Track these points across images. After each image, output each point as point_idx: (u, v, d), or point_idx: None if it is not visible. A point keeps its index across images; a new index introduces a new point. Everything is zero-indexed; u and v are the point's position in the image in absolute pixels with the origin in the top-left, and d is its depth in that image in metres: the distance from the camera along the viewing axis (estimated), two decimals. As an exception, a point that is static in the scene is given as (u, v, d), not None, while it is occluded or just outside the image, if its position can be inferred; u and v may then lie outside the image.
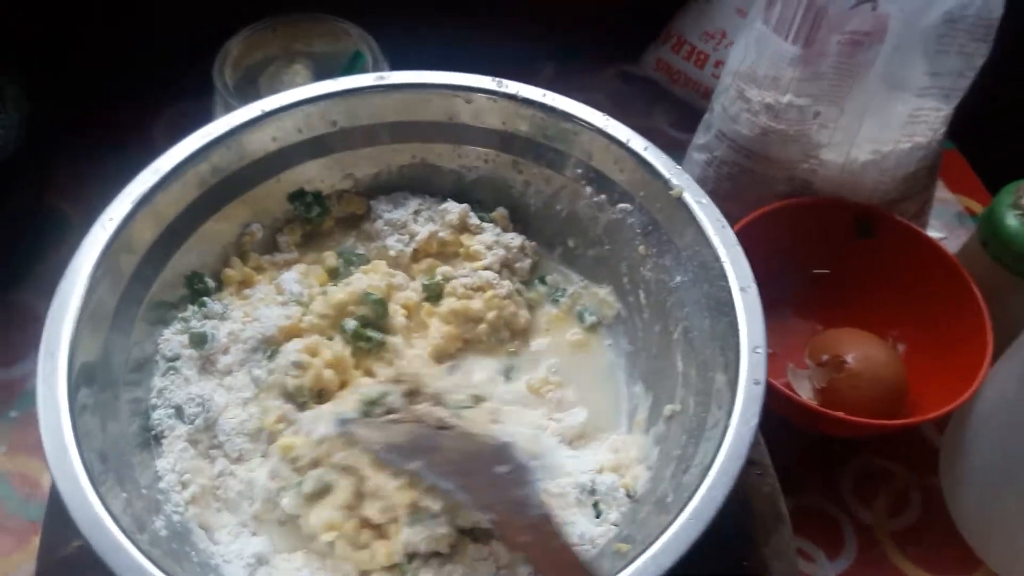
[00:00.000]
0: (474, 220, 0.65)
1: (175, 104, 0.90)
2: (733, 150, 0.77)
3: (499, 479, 0.49)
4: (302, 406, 0.55)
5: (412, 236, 0.64)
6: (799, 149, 0.74)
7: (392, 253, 0.64)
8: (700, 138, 0.80)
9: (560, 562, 0.47)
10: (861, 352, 0.71)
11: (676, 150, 0.72)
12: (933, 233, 0.79)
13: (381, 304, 0.59)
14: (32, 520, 0.66)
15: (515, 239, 0.65)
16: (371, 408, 0.52)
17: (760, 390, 0.48)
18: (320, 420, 0.52)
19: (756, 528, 0.57)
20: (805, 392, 0.72)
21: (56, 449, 0.46)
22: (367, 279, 0.61)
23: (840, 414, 0.65)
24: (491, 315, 0.61)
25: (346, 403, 0.53)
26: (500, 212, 0.66)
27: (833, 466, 0.74)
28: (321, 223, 0.65)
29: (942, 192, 0.90)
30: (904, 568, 0.69)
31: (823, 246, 0.76)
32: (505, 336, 0.63)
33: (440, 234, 0.64)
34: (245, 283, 0.62)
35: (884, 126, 0.72)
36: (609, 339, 0.64)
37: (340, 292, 0.59)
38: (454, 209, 0.64)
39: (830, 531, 0.71)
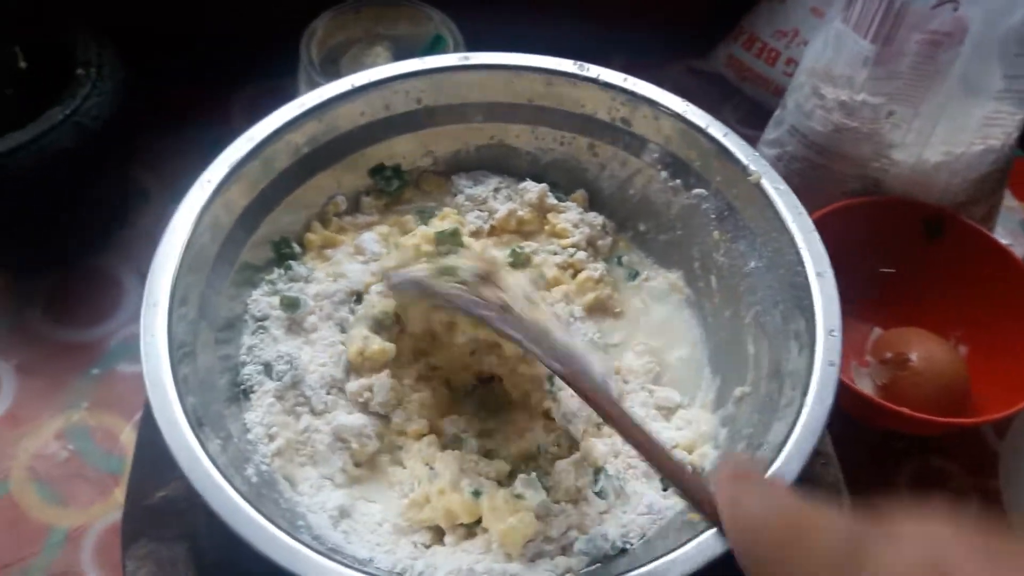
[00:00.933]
0: (552, 200, 0.66)
1: (254, 83, 0.92)
2: (805, 146, 0.77)
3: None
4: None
5: (491, 213, 0.66)
6: (871, 148, 0.74)
7: (471, 228, 0.66)
8: (771, 133, 0.81)
9: (622, 417, 0.48)
10: (924, 351, 0.72)
11: (745, 147, 0.73)
12: (999, 234, 0.78)
13: (455, 235, 0.61)
14: (112, 472, 0.69)
15: (597, 218, 0.66)
16: (446, 274, 0.54)
17: (835, 371, 0.48)
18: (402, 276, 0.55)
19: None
20: (867, 389, 0.73)
21: (159, 395, 0.47)
22: (443, 223, 0.64)
23: (904, 410, 0.65)
24: (588, 297, 0.63)
25: (424, 267, 0.55)
26: (580, 193, 0.67)
27: (891, 464, 0.74)
28: (400, 194, 0.67)
29: (1008, 199, 0.89)
30: (962, 570, 0.69)
31: (890, 245, 0.76)
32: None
33: (519, 212, 0.66)
34: (326, 245, 0.64)
35: (958, 128, 0.72)
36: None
37: (413, 237, 0.61)
38: (533, 188, 0.66)
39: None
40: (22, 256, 0.79)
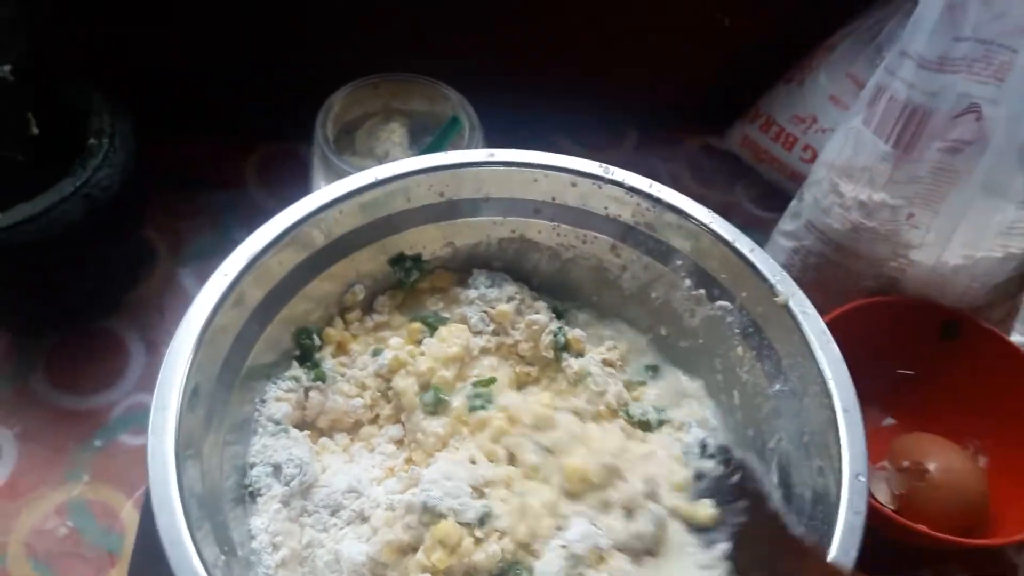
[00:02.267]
0: (548, 338, 0.65)
1: (266, 146, 0.91)
2: (822, 242, 0.76)
3: None
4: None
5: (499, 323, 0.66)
6: (889, 248, 0.73)
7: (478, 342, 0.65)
8: (788, 225, 0.80)
9: None
10: (944, 462, 0.70)
11: (757, 228, 0.72)
12: (1017, 338, 0.78)
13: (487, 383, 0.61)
14: (110, 551, 0.67)
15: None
16: None
17: (860, 520, 0.47)
18: None
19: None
20: (882, 494, 0.71)
21: (162, 496, 0.46)
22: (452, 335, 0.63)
23: (923, 528, 0.64)
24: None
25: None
26: (576, 335, 0.66)
27: (906, 573, 0.72)
28: (416, 287, 0.66)
29: (1028, 297, 0.88)
30: None
31: (907, 346, 0.75)
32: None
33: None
34: (342, 346, 0.63)
35: (978, 233, 0.71)
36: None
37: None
38: (540, 320, 0.65)
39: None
40: (25, 319, 0.78)
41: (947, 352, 0.75)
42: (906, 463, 0.71)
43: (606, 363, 0.65)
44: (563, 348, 0.64)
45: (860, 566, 0.60)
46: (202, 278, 0.54)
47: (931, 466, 0.70)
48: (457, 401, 0.59)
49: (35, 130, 0.73)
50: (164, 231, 0.85)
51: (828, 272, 0.77)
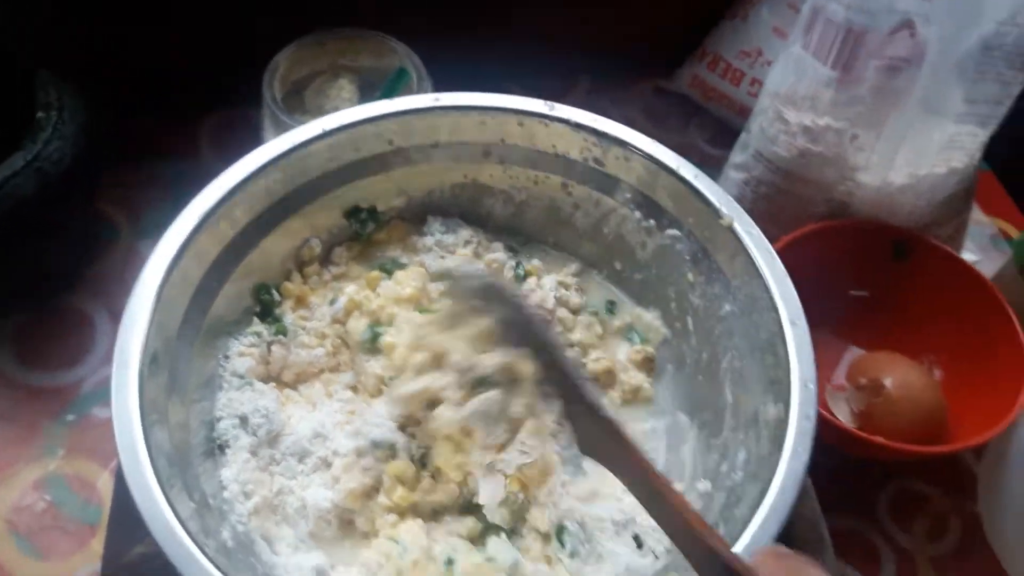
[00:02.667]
0: (509, 273, 0.67)
1: (218, 113, 0.91)
2: (770, 171, 0.77)
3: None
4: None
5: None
6: (836, 171, 0.75)
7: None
8: (737, 157, 0.81)
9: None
10: (900, 377, 0.72)
11: (711, 166, 0.73)
12: (968, 255, 0.80)
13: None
14: (90, 523, 0.68)
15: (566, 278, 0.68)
16: None
17: (811, 425, 0.49)
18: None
19: (797, 551, 0.58)
20: (842, 413, 0.73)
21: (130, 458, 0.47)
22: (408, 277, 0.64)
23: (880, 439, 0.66)
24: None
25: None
26: (534, 265, 0.68)
27: (869, 488, 0.74)
28: (372, 239, 0.67)
29: (976, 214, 0.90)
30: (944, 594, 0.70)
31: (860, 268, 0.77)
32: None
33: None
34: (301, 299, 0.64)
35: (921, 151, 0.72)
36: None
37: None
38: (500, 257, 0.67)
39: (870, 554, 0.71)
40: (-12, 299, 0.77)
41: (899, 272, 0.77)
42: (863, 380, 0.73)
43: (562, 285, 0.67)
44: (523, 279, 0.66)
45: (825, 486, 0.62)
46: (162, 248, 0.55)
47: (887, 381, 0.72)
48: (398, 338, 0.59)
49: (-21, 108, 0.73)
50: (121, 204, 0.84)
51: (779, 201, 0.78)
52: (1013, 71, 0.69)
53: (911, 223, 0.76)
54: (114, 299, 0.79)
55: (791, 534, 0.58)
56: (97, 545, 0.66)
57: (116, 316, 0.77)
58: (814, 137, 0.73)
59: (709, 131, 0.97)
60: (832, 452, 0.68)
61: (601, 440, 0.47)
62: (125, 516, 0.57)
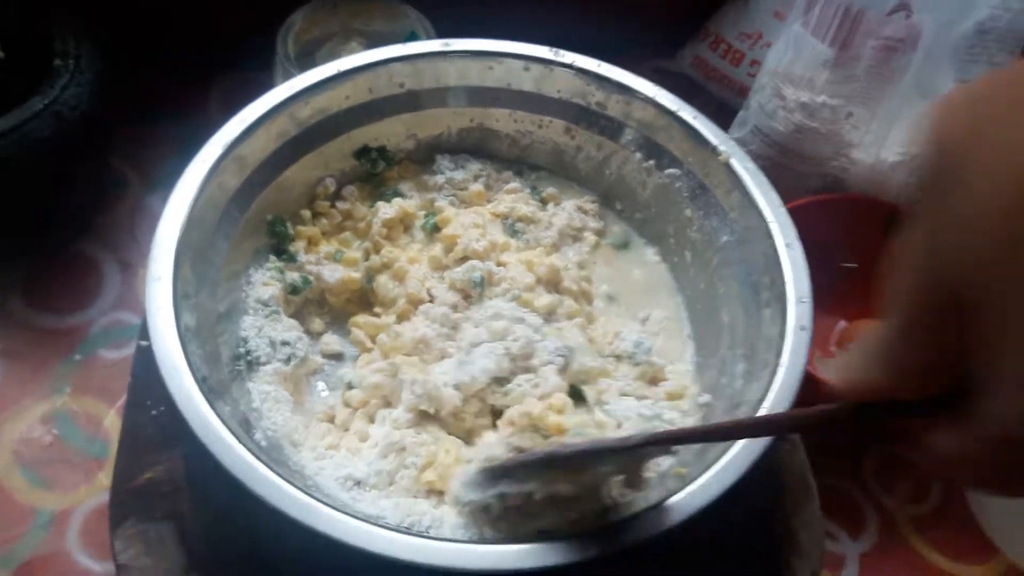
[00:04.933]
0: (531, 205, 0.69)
1: (229, 76, 0.93)
2: (767, 145, 0.80)
3: None
4: None
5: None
6: (831, 147, 0.77)
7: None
8: (735, 132, 0.83)
9: None
10: (887, 343, 0.74)
11: (711, 143, 0.76)
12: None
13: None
14: (96, 457, 0.69)
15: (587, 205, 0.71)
16: None
17: (807, 336, 0.51)
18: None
19: (786, 500, 0.60)
20: (832, 379, 0.74)
21: (169, 363, 0.49)
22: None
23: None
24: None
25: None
26: (551, 192, 0.70)
27: (856, 451, 0.76)
28: (383, 178, 0.69)
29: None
30: (923, 552, 0.72)
31: (852, 241, 0.78)
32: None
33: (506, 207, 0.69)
34: (312, 241, 0.66)
35: (913, 131, 0.74)
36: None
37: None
38: (516, 185, 0.70)
39: (853, 513, 0.73)
40: (1, 242, 0.79)
41: (890, 244, 0.78)
42: (851, 345, 0.75)
43: (581, 210, 0.69)
44: (543, 205, 0.70)
45: (811, 450, 0.64)
46: (170, 201, 0.57)
47: (875, 347, 0.73)
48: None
49: (0, 54, 0.74)
50: (131, 160, 0.86)
51: (775, 174, 0.78)
52: (1004, 54, 0.71)
53: (902, 199, 0.78)
54: (123, 249, 0.81)
55: (780, 484, 0.60)
56: (104, 478, 0.68)
57: (125, 264, 0.80)
58: (810, 113, 0.75)
59: (709, 110, 0.95)
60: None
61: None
62: (133, 445, 0.59)
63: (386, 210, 0.65)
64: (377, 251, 0.64)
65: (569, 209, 0.68)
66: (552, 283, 0.63)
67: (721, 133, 0.61)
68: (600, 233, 0.70)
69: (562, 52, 0.64)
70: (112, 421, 0.71)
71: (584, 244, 0.68)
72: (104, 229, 0.82)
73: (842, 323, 0.80)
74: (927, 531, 0.73)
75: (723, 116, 0.92)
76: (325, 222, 0.67)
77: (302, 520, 0.44)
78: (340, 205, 0.67)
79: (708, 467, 0.47)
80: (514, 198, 0.68)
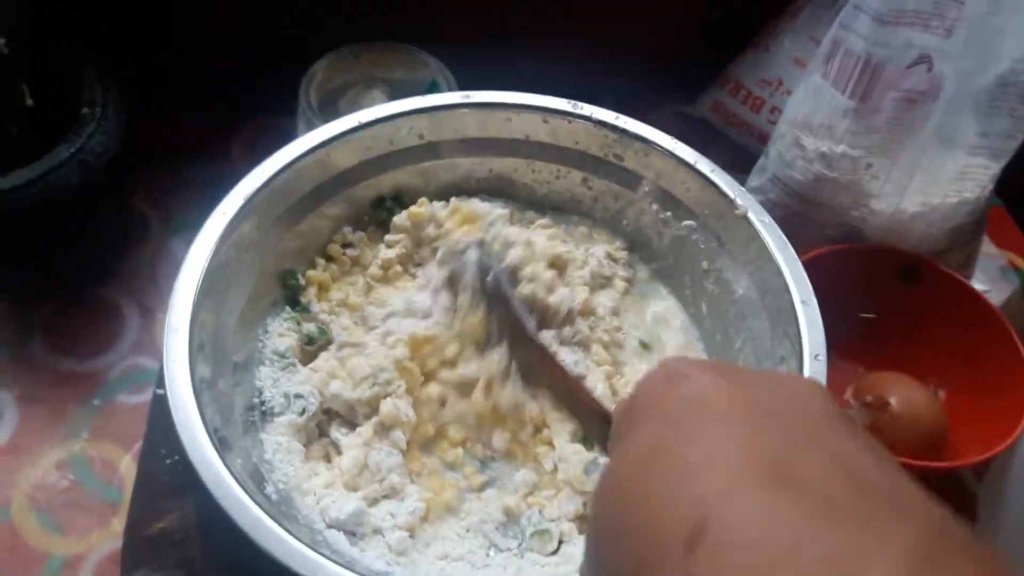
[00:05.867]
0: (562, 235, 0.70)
1: (252, 122, 0.94)
2: (786, 194, 0.79)
3: None
4: None
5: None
6: (850, 197, 0.76)
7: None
8: (755, 180, 0.83)
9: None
10: (904, 396, 0.73)
11: (730, 189, 0.76)
12: (977, 285, 0.81)
13: None
14: (111, 502, 0.69)
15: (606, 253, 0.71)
16: None
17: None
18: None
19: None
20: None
21: (182, 415, 0.49)
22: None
23: (884, 454, 0.66)
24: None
25: None
26: (582, 231, 0.71)
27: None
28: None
29: (987, 247, 0.92)
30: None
31: (870, 291, 0.78)
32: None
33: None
34: (323, 286, 0.66)
35: (934, 181, 0.74)
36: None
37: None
38: (544, 221, 0.70)
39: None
40: (23, 286, 0.80)
41: (908, 296, 0.78)
42: (869, 398, 0.74)
43: (611, 257, 0.70)
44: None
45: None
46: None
47: (892, 399, 0.72)
48: None
49: (29, 101, 0.75)
50: (154, 204, 0.87)
51: (793, 223, 0.79)
52: (1025, 106, 0.71)
53: (922, 250, 0.77)
54: (145, 294, 0.81)
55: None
56: (117, 524, 0.67)
57: (145, 309, 0.81)
58: (830, 163, 0.75)
59: (728, 156, 0.98)
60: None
61: (537, 363, 0.54)
62: (148, 494, 0.59)
63: (386, 252, 0.66)
64: (367, 292, 0.65)
65: (599, 255, 0.68)
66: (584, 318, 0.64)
67: (738, 186, 0.61)
68: (630, 280, 0.70)
69: (580, 104, 0.65)
70: (128, 466, 0.70)
71: (614, 290, 0.68)
72: (125, 273, 0.82)
73: (860, 370, 0.80)
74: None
75: (743, 162, 0.92)
76: (335, 268, 0.68)
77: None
78: (350, 252, 0.68)
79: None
80: (550, 234, 0.68)
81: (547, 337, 0.61)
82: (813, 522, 0.27)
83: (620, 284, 0.69)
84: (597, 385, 0.60)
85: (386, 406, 0.58)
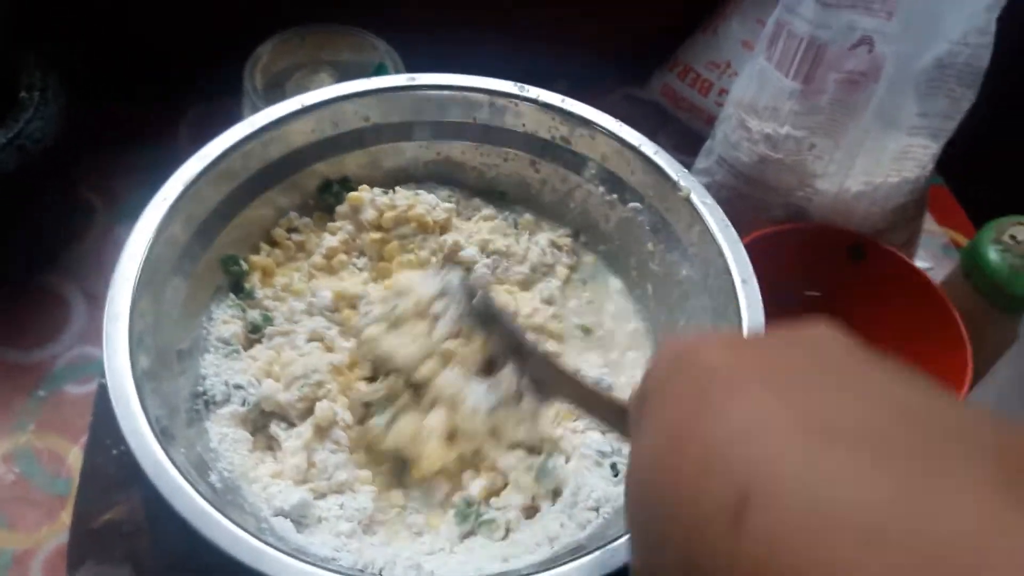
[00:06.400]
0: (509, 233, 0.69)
1: (198, 105, 0.93)
2: (732, 175, 0.80)
3: None
4: None
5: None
6: (795, 178, 0.77)
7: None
8: (701, 162, 0.84)
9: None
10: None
11: (679, 172, 0.76)
12: (920, 263, 0.82)
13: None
14: (59, 495, 0.68)
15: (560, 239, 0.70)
16: None
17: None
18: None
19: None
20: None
21: (123, 406, 0.48)
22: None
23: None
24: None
25: None
26: (527, 218, 0.70)
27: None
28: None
29: (930, 224, 0.94)
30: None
31: (815, 269, 0.79)
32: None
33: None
34: (267, 272, 0.65)
35: (876, 161, 0.75)
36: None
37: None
38: (489, 212, 0.69)
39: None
40: (-37, 277, 0.78)
41: (853, 274, 0.79)
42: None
43: (554, 244, 0.70)
44: (517, 231, 0.70)
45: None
46: (136, 234, 0.56)
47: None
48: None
49: (-35, 88, 0.74)
50: (99, 190, 0.86)
51: (739, 204, 0.80)
52: (963, 88, 0.72)
53: (866, 228, 0.79)
54: (90, 281, 0.80)
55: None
56: (66, 517, 0.66)
57: (91, 297, 0.80)
58: (774, 144, 0.76)
59: (678, 138, 0.99)
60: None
61: (546, 375, 0.51)
62: (93, 485, 0.59)
63: (330, 240, 0.65)
64: (309, 281, 0.64)
65: (543, 244, 0.69)
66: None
67: (681, 168, 0.62)
68: (572, 267, 0.70)
69: (527, 87, 0.65)
70: (76, 458, 0.69)
71: (555, 279, 0.68)
72: (71, 261, 0.81)
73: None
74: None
75: (692, 145, 0.93)
76: (279, 253, 0.67)
77: (254, 566, 0.44)
78: (295, 236, 0.67)
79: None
80: (491, 227, 0.68)
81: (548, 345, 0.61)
82: (872, 469, 0.25)
83: (562, 271, 0.69)
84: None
85: (321, 409, 0.57)
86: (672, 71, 0.99)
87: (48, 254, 0.81)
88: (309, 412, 0.58)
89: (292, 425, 0.58)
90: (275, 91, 0.81)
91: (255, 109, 0.75)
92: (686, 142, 0.97)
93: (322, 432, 0.57)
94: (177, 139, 0.91)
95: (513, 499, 0.56)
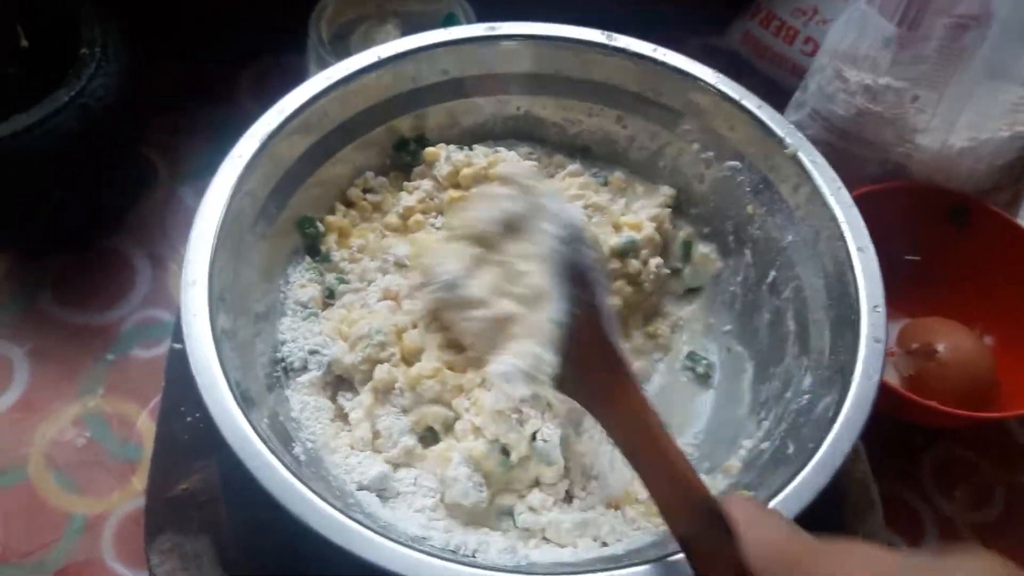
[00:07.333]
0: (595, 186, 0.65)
1: (260, 60, 0.90)
2: (826, 130, 0.76)
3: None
4: None
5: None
6: (894, 132, 0.73)
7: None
8: (792, 116, 0.80)
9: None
10: (952, 342, 0.71)
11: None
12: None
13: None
14: (129, 460, 0.68)
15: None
16: None
17: (881, 348, 0.48)
18: None
19: (848, 513, 0.57)
20: (891, 378, 0.72)
21: (205, 375, 0.46)
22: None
23: (932, 403, 0.64)
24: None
25: None
26: (617, 176, 0.66)
27: (912, 455, 0.73)
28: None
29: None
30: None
31: (914, 232, 0.75)
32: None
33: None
34: (344, 233, 0.63)
35: (984, 114, 0.71)
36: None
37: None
38: (575, 168, 0.65)
39: (911, 520, 0.70)
40: (30, 238, 0.77)
41: (954, 237, 0.75)
42: (915, 345, 0.72)
43: (655, 219, 0.64)
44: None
45: (871, 448, 0.61)
46: (202, 193, 0.54)
47: (940, 346, 0.70)
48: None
49: (24, 42, 0.72)
50: (162, 149, 0.84)
51: (833, 160, 0.75)
52: (1081, 32, 0.67)
53: (969, 188, 0.74)
54: (155, 243, 0.79)
55: (843, 496, 0.57)
56: (137, 482, 0.66)
57: (156, 259, 0.78)
58: (874, 96, 0.72)
59: (760, 90, 0.92)
60: (876, 417, 0.67)
61: (596, 370, 0.46)
62: (168, 454, 0.57)
63: (407, 199, 0.62)
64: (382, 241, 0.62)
65: (643, 216, 0.63)
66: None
67: (787, 124, 0.58)
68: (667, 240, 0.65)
69: (615, 36, 0.61)
70: (144, 422, 0.69)
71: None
72: (134, 223, 0.80)
73: (904, 320, 0.76)
74: (990, 541, 0.69)
75: (774, 96, 0.87)
76: (355, 214, 0.64)
77: (340, 544, 0.42)
78: (371, 197, 0.64)
79: (776, 492, 0.44)
80: (580, 183, 0.64)
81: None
82: None
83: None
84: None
85: (380, 372, 0.54)
86: (754, 19, 0.94)
87: (112, 216, 0.79)
88: (370, 377, 0.55)
89: (355, 393, 0.56)
90: (340, 44, 0.78)
91: (321, 61, 0.72)
92: (769, 93, 0.90)
93: (382, 397, 0.54)
94: (238, 97, 0.88)
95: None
